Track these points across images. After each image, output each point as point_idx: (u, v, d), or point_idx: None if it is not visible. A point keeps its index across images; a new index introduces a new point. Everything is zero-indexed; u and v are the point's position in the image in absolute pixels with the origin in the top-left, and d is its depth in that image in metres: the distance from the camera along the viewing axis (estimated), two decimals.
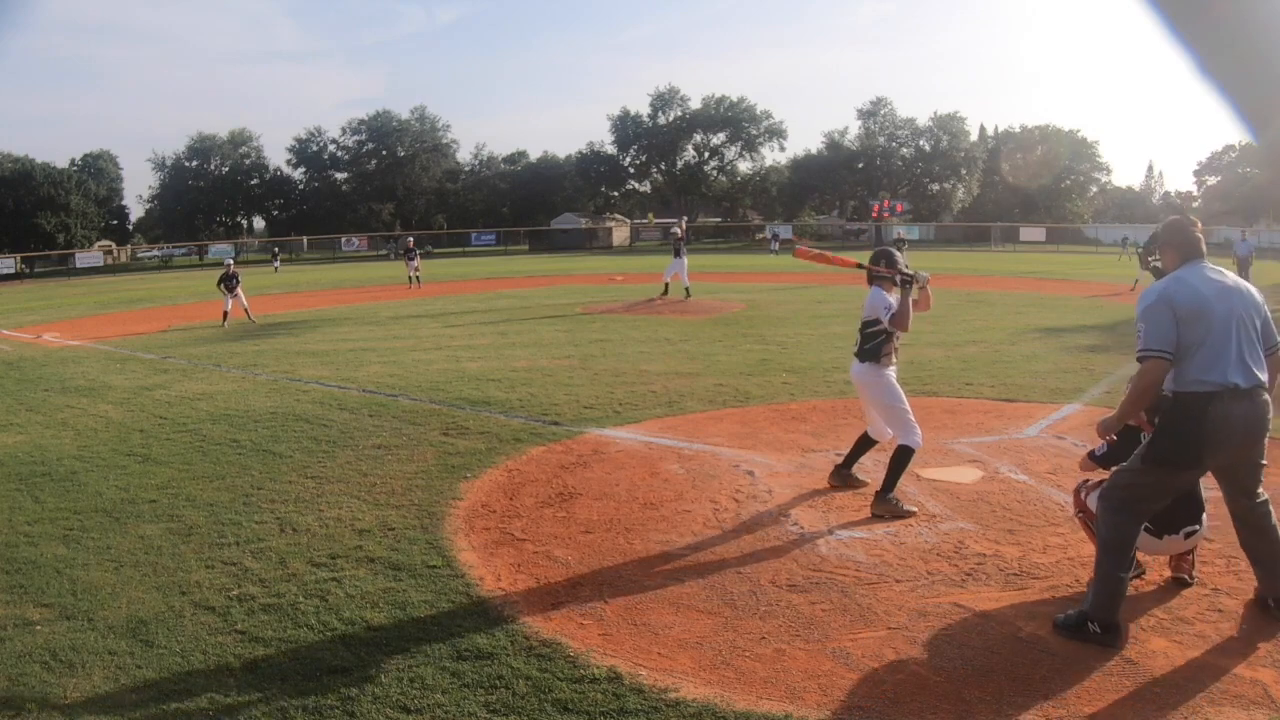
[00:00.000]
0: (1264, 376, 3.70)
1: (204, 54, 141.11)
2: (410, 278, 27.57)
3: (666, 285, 20.44)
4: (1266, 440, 3.79)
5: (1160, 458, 3.72)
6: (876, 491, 5.49)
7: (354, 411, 8.91)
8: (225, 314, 18.24)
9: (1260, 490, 3.88)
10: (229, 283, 18.41)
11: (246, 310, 18.65)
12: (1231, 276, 3.81)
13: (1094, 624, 3.72)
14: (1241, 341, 3.65)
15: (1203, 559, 4.47)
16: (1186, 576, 4.29)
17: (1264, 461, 3.85)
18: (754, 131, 74.34)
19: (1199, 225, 3.88)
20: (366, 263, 52.95)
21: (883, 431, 5.78)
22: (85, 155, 72.78)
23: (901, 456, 5.45)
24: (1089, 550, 4.28)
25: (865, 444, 5.92)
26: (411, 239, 31.82)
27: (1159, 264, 4.10)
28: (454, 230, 71.08)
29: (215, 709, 3.38)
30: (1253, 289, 3.82)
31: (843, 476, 5.96)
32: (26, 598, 4.51)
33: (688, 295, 20.10)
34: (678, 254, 20.47)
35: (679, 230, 22.14)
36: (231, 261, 19.80)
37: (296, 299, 25.76)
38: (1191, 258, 3.80)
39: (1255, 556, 3.97)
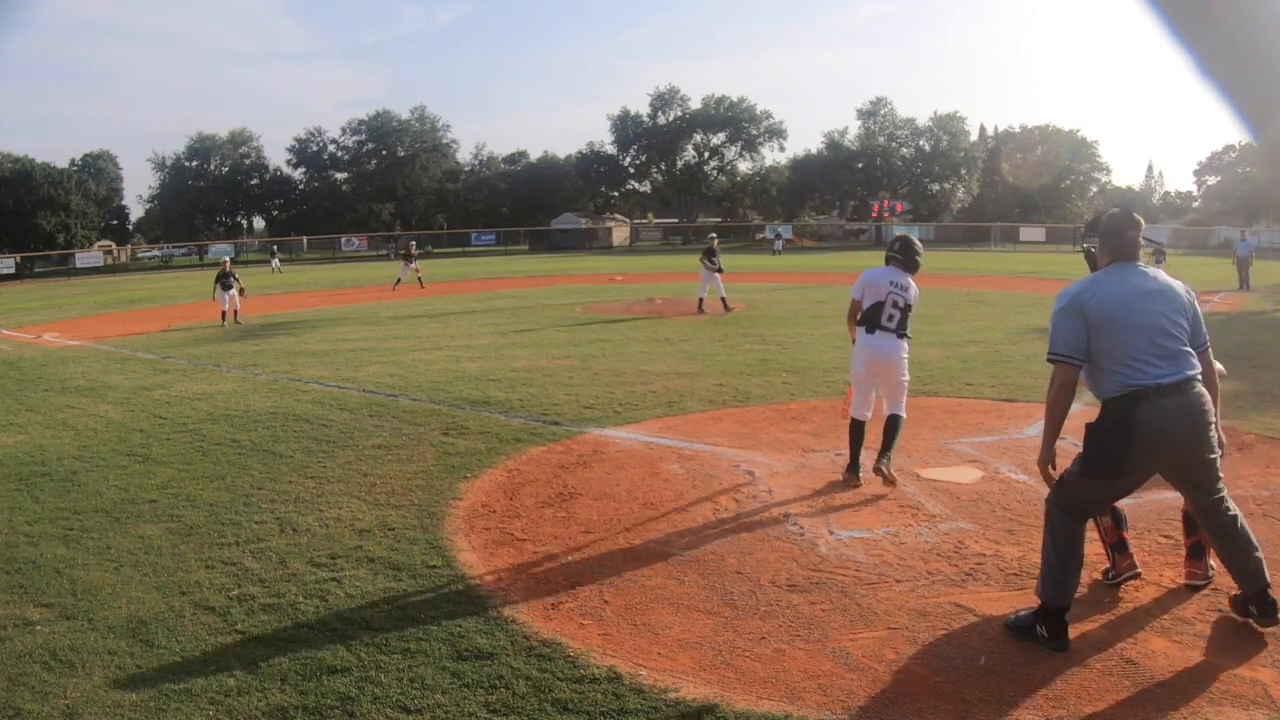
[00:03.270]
0: (1192, 371, 3.58)
1: (204, 54, 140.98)
2: (398, 279, 26.96)
3: (701, 300, 18.89)
4: (1213, 434, 3.61)
5: (1090, 470, 3.67)
6: (880, 453, 5.90)
7: (354, 411, 8.92)
8: (224, 314, 18.27)
9: (1220, 486, 3.66)
10: (224, 281, 18.39)
11: (236, 312, 18.46)
12: (1160, 278, 3.68)
13: (1041, 627, 3.72)
14: (1163, 340, 3.55)
15: None
16: (1200, 580, 4.24)
17: (1214, 455, 3.62)
18: (754, 131, 74.37)
19: (1141, 225, 3.76)
20: (366, 263, 52.94)
21: (865, 410, 6.15)
22: (85, 155, 72.78)
23: (899, 424, 6.05)
24: (1090, 550, 4.27)
25: (861, 431, 6.12)
26: (413, 242, 31.54)
27: (1094, 250, 3.96)
28: (454, 230, 71.02)
29: (215, 709, 3.38)
30: (1181, 289, 3.67)
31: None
32: (26, 598, 4.51)
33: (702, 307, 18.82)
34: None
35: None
36: (228, 260, 19.78)
37: (296, 299, 25.74)
38: (1121, 259, 3.71)
39: (1228, 561, 3.77)
